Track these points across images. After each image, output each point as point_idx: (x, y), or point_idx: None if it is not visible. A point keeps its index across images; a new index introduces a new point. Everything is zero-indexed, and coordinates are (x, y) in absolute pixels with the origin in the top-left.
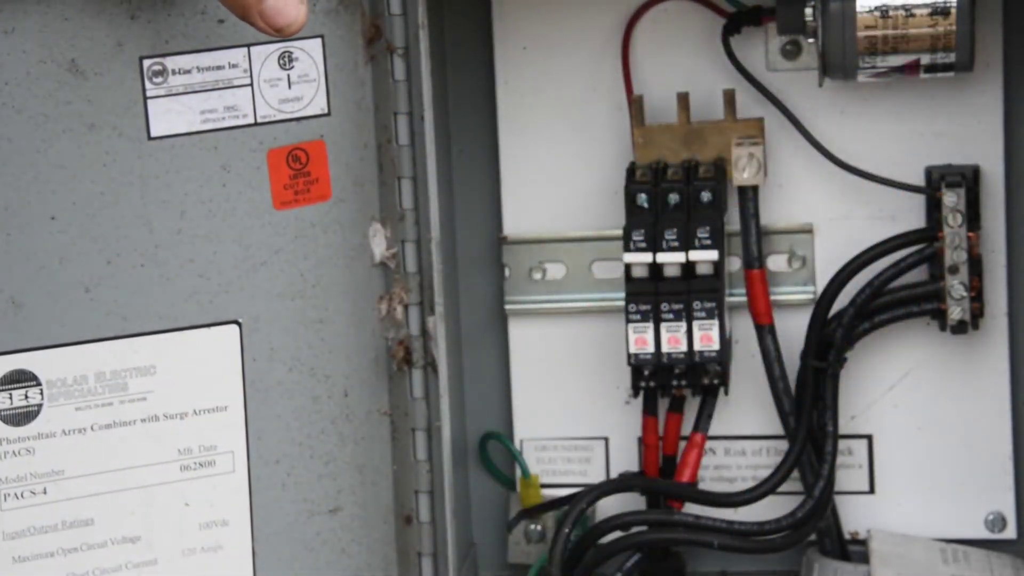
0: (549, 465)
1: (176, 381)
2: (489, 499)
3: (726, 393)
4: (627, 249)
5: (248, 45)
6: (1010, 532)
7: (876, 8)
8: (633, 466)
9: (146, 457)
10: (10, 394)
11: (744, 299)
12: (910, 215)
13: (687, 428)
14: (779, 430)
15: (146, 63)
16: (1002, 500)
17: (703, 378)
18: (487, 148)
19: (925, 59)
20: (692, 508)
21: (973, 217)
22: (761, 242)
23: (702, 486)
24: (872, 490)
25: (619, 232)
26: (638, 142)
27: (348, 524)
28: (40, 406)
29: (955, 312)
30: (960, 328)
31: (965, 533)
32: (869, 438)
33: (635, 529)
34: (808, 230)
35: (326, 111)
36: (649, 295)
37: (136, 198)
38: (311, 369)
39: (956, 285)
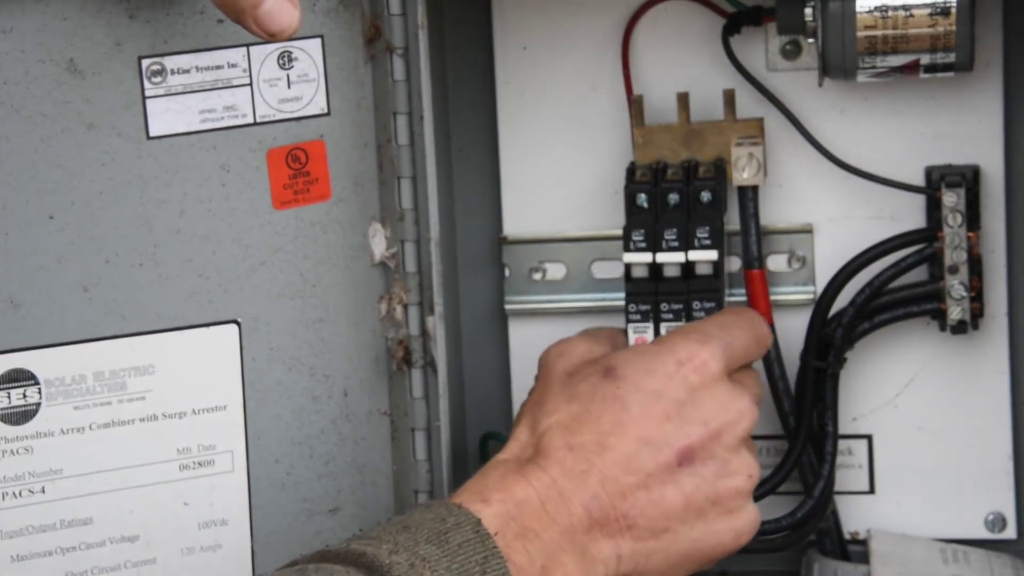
0: None
1: (175, 381)
2: None
3: None
4: (627, 249)
5: (247, 45)
6: (1010, 532)
7: (876, 8)
8: None
9: (145, 456)
10: (8, 393)
11: (744, 299)
12: (910, 215)
13: None
14: (779, 430)
15: (145, 63)
16: (1002, 500)
17: None
18: (487, 148)
19: (925, 59)
20: None
21: (973, 217)
22: (761, 242)
23: None
24: (872, 490)
25: (619, 232)
26: (638, 142)
27: (348, 524)
28: (38, 405)
29: (955, 312)
30: (960, 328)
31: (965, 533)
32: (869, 438)
33: None
34: (808, 230)
35: (326, 111)
36: (649, 295)
37: (135, 198)
38: (311, 369)
39: (956, 285)
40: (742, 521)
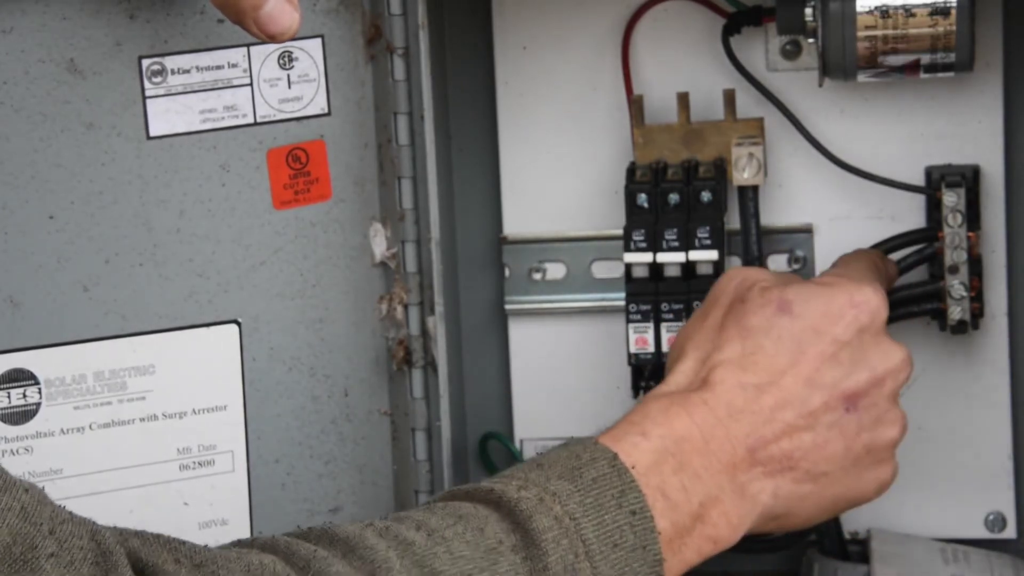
0: None
1: (175, 380)
2: None
3: None
4: (627, 249)
5: (248, 45)
6: (1010, 532)
7: (876, 8)
8: None
9: (145, 456)
10: (8, 393)
11: None
12: (910, 215)
13: None
14: None
15: (145, 63)
16: (1002, 500)
17: None
18: (487, 148)
19: (925, 59)
20: None
21: (973, 217)
22: (761, 242)
23: None
24: None
25: (619, 232)
26: (638, 142)
27: None
28: (38, 405)
29: (955, 312)
30: (960, 328)
31: (965, 533)
32: None
33: None
34: (808, 230)
35: (326, 111)
36: (649, 295)
37: (135, 197)
38: (311, 369)
39: (956, 285)
40: (887, 473)
